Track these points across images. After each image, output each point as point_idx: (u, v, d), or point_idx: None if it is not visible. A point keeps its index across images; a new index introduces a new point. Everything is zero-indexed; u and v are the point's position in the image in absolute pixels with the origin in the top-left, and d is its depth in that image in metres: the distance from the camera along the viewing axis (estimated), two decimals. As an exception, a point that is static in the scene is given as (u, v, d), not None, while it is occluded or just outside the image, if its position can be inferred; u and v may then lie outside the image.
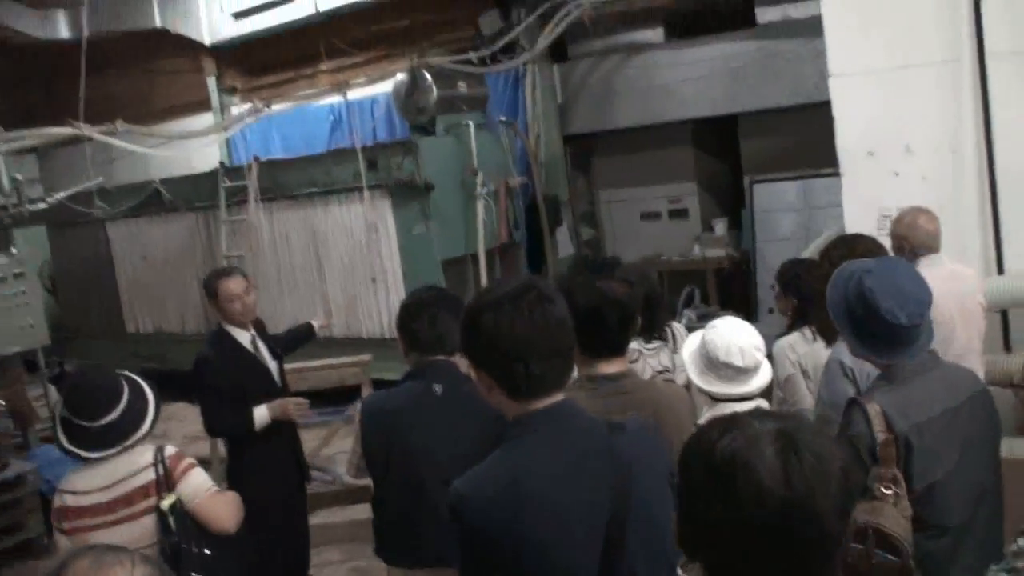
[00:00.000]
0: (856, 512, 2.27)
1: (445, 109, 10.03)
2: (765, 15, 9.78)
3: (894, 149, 6.43)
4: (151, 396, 3.84)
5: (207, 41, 13.67)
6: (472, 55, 10.13)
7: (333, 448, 8.22)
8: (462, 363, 2.57)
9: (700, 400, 4.06)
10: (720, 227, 10.63)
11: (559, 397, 2.43)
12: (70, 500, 3.66)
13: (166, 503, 3.63)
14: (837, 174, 6.74)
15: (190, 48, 13.95)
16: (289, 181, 10.48)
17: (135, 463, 3.69)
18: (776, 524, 1.58)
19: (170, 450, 3.81)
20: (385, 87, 10.79)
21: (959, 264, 5.18)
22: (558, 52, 11.23)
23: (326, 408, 8.88)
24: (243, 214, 10.68)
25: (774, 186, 10.12)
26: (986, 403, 3.07)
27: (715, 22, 10.13)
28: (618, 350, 3.00)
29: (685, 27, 10.55)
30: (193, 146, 10.88)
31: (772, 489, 1.58)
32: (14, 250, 9.56)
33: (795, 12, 9.42)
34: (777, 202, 10.11)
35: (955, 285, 4.90)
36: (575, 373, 2.78)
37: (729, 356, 3.67)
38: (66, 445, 3.69)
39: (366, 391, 7.40)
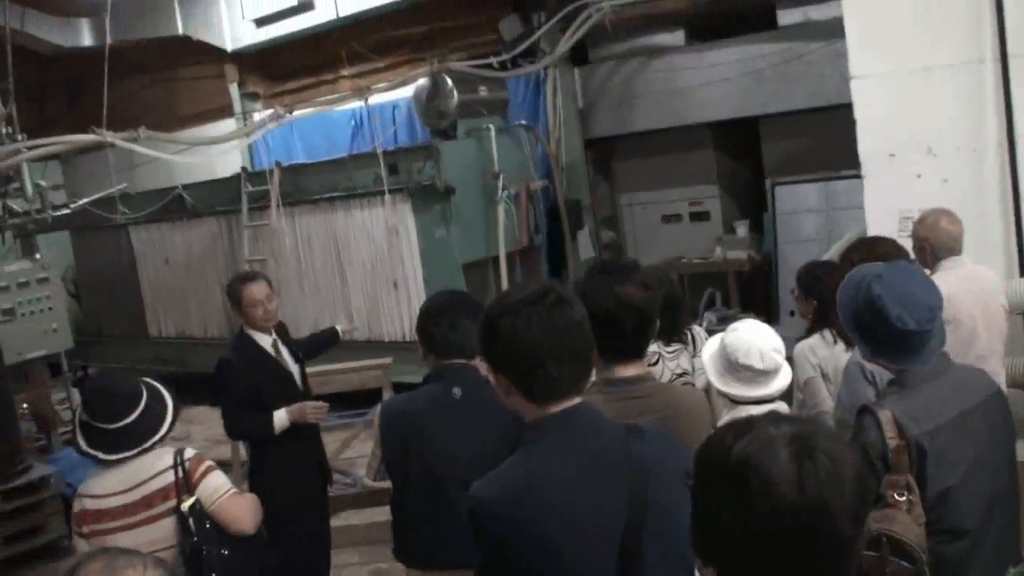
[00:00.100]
0: (869, 520, 2.26)
1: (466, 113, 10.05)
2: (786, 17, 9.75)
3: (916, 151, 6.40)
4: (169, 400, 3.87)
5: (229, 48, 13.76)
6: (493, 60, 10.14)
7: (354, 451, 8.25)
8: (482, 366, 2.57)
9: (720, 403, 4.05)
10: (742, 229, 10.59)
11: (577, 400, 2.43)
12: (89, 504, 3.68)
13: (186, 504, 3.65)
14: (859, 176, 6.72)
15: (212, 55, 14.04)
16: (311, 186, 10.52)
17: (155, 466, 3.72)
18: (790, 528, 1.57)
19: (190, 452, 3.83)
20: (406, 92, 10.81)
21: (981, 266, 5.15)
22: (579, 56, 11.23)
23: (347, 411, 8.92)
24: (265, 219, 10.72)
25: (796, 188, 10.09)
26: (1000, 405, 3.04)
27: (736, 24, 10.10)
28: (636, 354, 2.99)
29: (706, 30, 10.53)
30: (215, 152, 10.93)
31: (786, 493, 1.57)
32: (38, 255, 9.65)
33: (816, 14, 9.39)
34: (799, 204, 10.07)
35: (977, 287, 4.88)
36: (593, 376, 2.77)
37: (748, 358, 3.66)
38: (85, 448, 3.72)
39: (387, 394, 7.43)
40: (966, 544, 2.87)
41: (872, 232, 6.18)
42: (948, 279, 4.78)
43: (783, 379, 3.77)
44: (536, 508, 2.30)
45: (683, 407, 3.00)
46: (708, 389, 4.17)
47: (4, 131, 8.26)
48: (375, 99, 10.85)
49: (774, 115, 10.08)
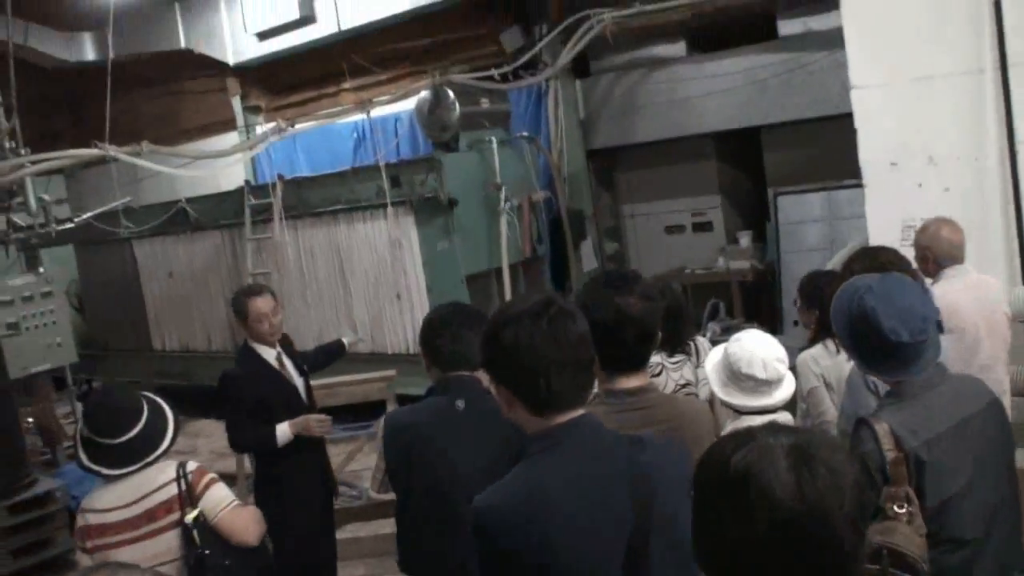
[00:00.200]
0: (870, 533, 2.25)
1: (468, 126, 10.07)
2: (787, 27, 9.77)
3: (917, 160, 6.42)
4: (170, 414, 3.88)
5: (231, 61, 13.80)
6: (494, 72, 10.16)
7: (359, 463, 8.24)
8: (485, 378, 2.57)
9: (723, 413, 4.06)
10: (744, 239, 10.59)
11: (580, 412, 2.43)
12: (92, 519, 3.69)
13: (190, 516, 3.66)
14: (861, 185, 6.72)
15: (215, 68, 14.08)
16: (314, 198, 10.53)
17: (157, 479, 3.73)
18: (789, 539, 1.57)
19: (192, 465, 3.84)
20: (408, 105, 10.83)
21: (984, 274, 5.16)
22: (580, 67, 11.25)
23: (351, 423, 8.92)
24: (268, 232, 10.73)
25: (798, 198, 10.09)
26: (998, 414, 3.03)
27: (737, 35, 10.12)
28: (637, 365, 2.99)
29: (707, 40, 10.55)
30: (218, 165, 10.95)
31: (785, 503, 1.57)
32: (42, 269, 9.67)
33: (817, 24, 9.40)
34: (801, 214, 10.07)
35: (980, 295, 4.89)
36: (595, 388, 2.77)
37: (751, 368, 3.67)
38: (87, 463, 3.73)
39: (391, 406, 7.43)
40: (968, 554, 2.86)
41: (874, 241, 6.19)
42: (951, 288, 4.80)
43: (786, 389, 3.77)
44: (539, 519, 2.30)
45: (686, 418, 3.00)
46: (712, 400, 4.18)
47: (8, 145, 8.28)
48: (377, 112, 10.86)
49: (776, 125, 10.09)
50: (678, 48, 10.67)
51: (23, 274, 9.47)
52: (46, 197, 9.04)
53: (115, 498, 3.69)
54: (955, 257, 4.98)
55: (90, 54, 14.68)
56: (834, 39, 7.60)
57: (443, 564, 3.67)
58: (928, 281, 4.83)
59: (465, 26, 11.75)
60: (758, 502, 1.59)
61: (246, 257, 11.01)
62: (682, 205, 11.21)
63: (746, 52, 10.04)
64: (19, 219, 9.14)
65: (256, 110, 14.50)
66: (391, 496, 3.86)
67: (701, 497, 1.72)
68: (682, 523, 2.12)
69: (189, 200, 11.78)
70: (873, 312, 2.86)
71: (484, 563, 2.40)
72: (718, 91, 10.14)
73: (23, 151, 8.32)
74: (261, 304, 5.50)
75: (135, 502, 3.67)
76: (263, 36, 13.19)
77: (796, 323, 8.35)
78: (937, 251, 4.98)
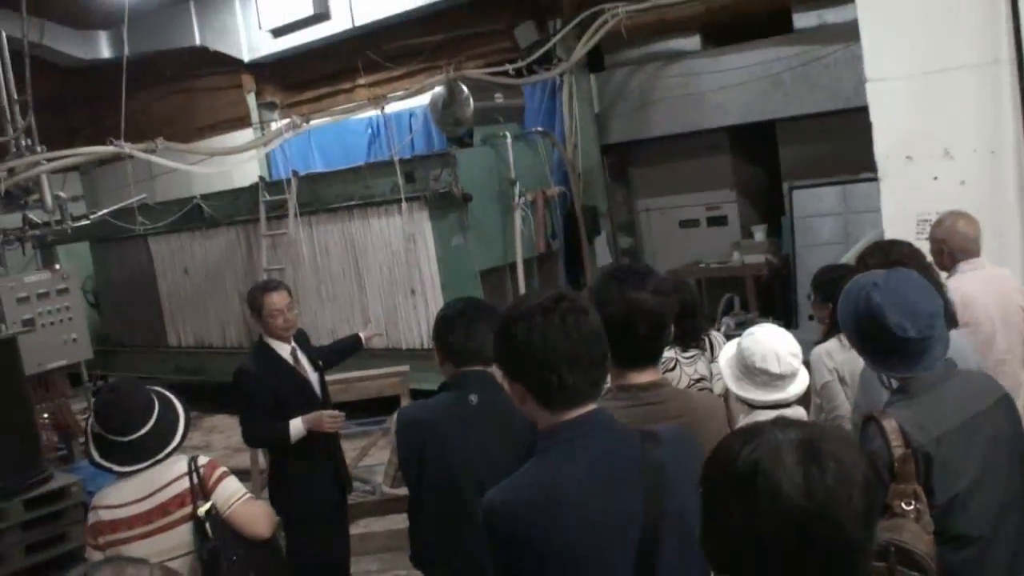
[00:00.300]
0: (877, 530, 2.24)
1: (482, 121, 10.07)
2: (802, 20, 9.73)
3: (932, 153, 6.38)
4: (181, 409, 3.88)
5: (246, 58, 13.84)
6: (508, 67, 10.16)
7: (372, 458, 8.26)
8: (498, 373, 2.57)
9: (737, 408, 4.05)
10: (759, 233, 10.56)
11: (592, 407, 2.42)
12: (104, 515, 3.69)
13: (203, 509, 3.66)
14: (876, 179, 6.69)
15: (229, 65, 14.13)
16: (328, 194, 10.55)
17: (169, 473, 3.73)
18: (798, 534, 1.56)
19: (203, 459, 3.85)
20: (422, 100, 10.85)
21: (1000, 267, 5.13)
22: (595, 62, 11.23)
23: (365, 419, 8.93)
24: (283, 228, 10.76)
25: (813, 191, 10.05)
26: (1008, 410, 3.00)
27: (752, 28, 10.09)
28: (650, 360, 2.97)
29: (721, 34, 10.51)
30: (233, 162, 10.99)
31: (793, 499, 1.56)
32: (58, 266, 9.71)
33: (832, 17, 9.37)
34: (817, 207, 10.03)
35: (996, 288, 4.86)
36: (608, 383, 2.76)
37: (765, 362, 3.66)
38: (98, 460, 3.73)
39: (405, 402, 7.43)
40: (976, 551, 2.83)
41: (889, 235, 6.16)
42: (966, 281, 4.78)
43: (800, 383, 3.76)
44: (551, 514, 2.30)
45: (699, 412, 2.98)
46: (726, 394, 4.17)
47: (24, 143, 8.31)
48: (391, 107, 10.87)
49: (791, 119, 10.06)
50: (693, 42, 10.65)
51: (39, 271, 9.52)
52: (62, 194, 9.07)
53: (127, 494, 3.69)
54: (971, 250, 4.96)
55: (105, 52, 14.76)
56: (849, 32, 7.55)
57: (456, 559, 3.66)
58: (943, 274, 4.81)
59: (479, 21, 11.76)
60: (766, 497, 1.58)
61: (261, 253, 11.05)
62: (697, 199, 11.18)
63: (761, 45, 10.01)
64: (35, 216, 9.18)
65: (271, 107, 14.55)
66: (404, 491, 3.86)
67: (709, 492, 1.71)
68: (694, 518, 2.12)
69: (204, 197, 11.82)
70: (879, 308, 2.84)
71: (496, 558, 2.40)
72: (733, 85, 10.11)
73: (39, 148, 8.35)
74: (276, 299, 5.52)
75: (147, 497, 3.68)
76: (277, 33, 13.23)
77: (811, 317, 8.32)
78: (953, 244, 4.96)
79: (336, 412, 5.52)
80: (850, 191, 9.66)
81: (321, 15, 12.54)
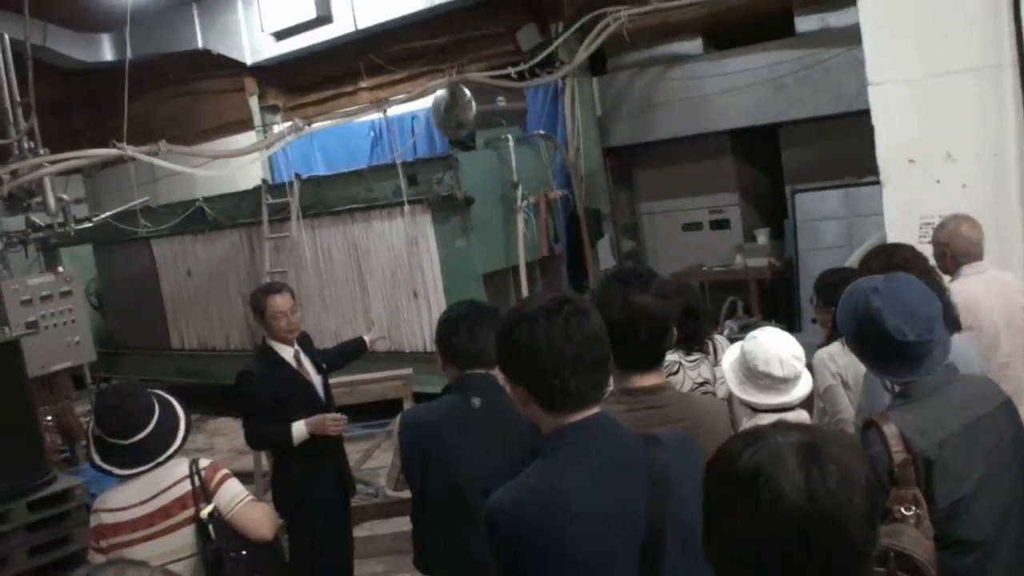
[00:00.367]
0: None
1: (484, 124, 10.08)
2: (804, 24, 9.75)
3: (935, 156, 6.37)
4: (181, 412, 3.88)
5: (248, 61, 13.87)
6: (511, 70, 10.17)
7: (376, 461, 8.26)
8: (500, 376, 2.57)
9: (741, 412, 4.05)
10: (762, 237, 10.58)
11: (595, 410, 2.42)
12: (106, 518, 3.69)
13: (205, 512, 3.67)
14: (879, 182, 6.69)
15: (232, 68, 14.15)
16: (331, 197, 10.56)
17: (171, 476, 3.74)
18: (800, 538, 1.56)
19: (204, 462, 3.85)
20: (425, 103, 10.85)
21: (1003, 271, 5.13)
22: (597, 65, 11.25)
23: (368, 421, 8.94)
24: (286, 231, 10.77)
25: (816, 195, 10.07)
26: (1010, 414, 2.99)
27: (754, 32, 10.09)
28: (653, 363, 2.97)
29: (724, 38, 10.53)
30: (236, 164, 11.00)
31: (795, 501, 1.56)
32: (61, 268, 9.72)
33: (834, 20, 9.38)
34: (819, 211, 10.05)
35: (1000, 291, 4.86)
36: (611, 386, 2.76)
37: (768, 366, 3.66)
38: (99, 463, 3.73)
39: (408, 405, 7.43)
40: (979, 556, 2.82)
41: (892, 239, 6.15)
42: (969, 285, 4.78)
43: (803, 387, 3.76)
44: (555, 518, 2.30)
45: (702, 416, 2.98)
46: (730, 398, 4.17)
47: (27, 145, 8.32)
48: (394, 110, 10.89)
49: (793, 122, 10.08)
50: (695, 45, 10.67)
51: (42, 273, 9.52)
52: (65, 197, 9.08)
53: (128, 497, 3.69)
54: (974, 254, 4.95)
55: (108, 55, 14.77)
56: (851, 35, 7.56)
57: (459, 562, 3.67)
58: (946, 278, 4.80)
59: (481, 24, 11.77)
60: (768, 500, 1.58)
61: (263, 256, 11.06)
62: (699, 203, 11.20)
63: (763, 49, 10.03)
64: (38, 219, 9.19)
65: (273, 109, 14.56)
66: (407, 494, 3.86)
67: (710, 496, 1.70)
68: (697, 522, 2.12)
69: (207, 199, 11.84)
70: (878, 312, 2.84)
71: (499, 561, 2.40)
72: (735, 88, 10.13)
73: (42, 151, 8.36)
74: (279, 301, 5.52)
75: (149, 500, 3.68)
76: (280, 36, 13.26)
77: (814, 321, 8.33)
78: (955, 248, 4.96)
79: (338, 415, 5.53)
80: (853, 194, 9.68)
81: (323, 18, 12.56)
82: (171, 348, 13.13)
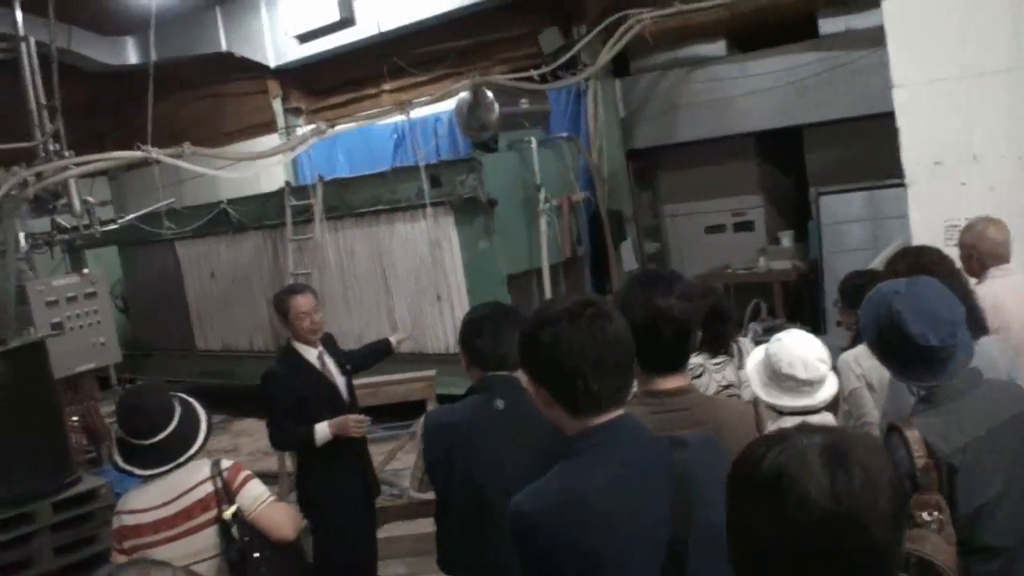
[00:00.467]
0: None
1: (507, 126, 10.07)
2: (827, 26, 9.72)
3: (961, 159, 6.34)
4: (203, 413, 3.90)
5: (272, 64, 13.91)
6: (533, 72, 10.16)
7: (399, 462, 8.28)
8: (524, 377, 2.57)
9: (766, 414, 4.03)
10: (786, 239, 10.54)
11: (619, 413, 2.42)
12: (128, 519, 3.71)
13: (228, 513, 3.68)
14: (904, 184, 6.66)
15: (255, 71, 14.20)
16: (354, 199, 10.58)
17: (193, 477, 3.75)
18: (825, 539, 1.55)
19: (226, 463, 3.87)
20: (448, 105, 10.86)
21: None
22: (620, 67, 11.24)
23: (392, 423, 8.95)
24: (309, 232, 10.80)
25: (841, 197, 10.02)
26: None
27: (777, 34, 10.06)
28: (677, 366, 2.96)
29: (747, 40, 10.50)
30: (259, 167, 11.04)
31: (820, 503, 1.55)
32: (86, 270, 9.77)
33: (858, 22, 9.35)
34: (844, 213, 10.00)
35: (1026, 295, 4.82)
36: (634, 388, 2.76)
37: (792, 368, 3.65)
38: (121, 464, 3.76)
39: (431, 406, 7.44)
40: (1003, 563, 2.80)
41: (918, 241, 6.12)
42: (996, 287, 4.75)
43: (828, 389, 3.74)
44: (579, 520, 2.30)
45: (726, 419, 2.96)
46: (755, 401, 4.15)
47: (52, 148, 8.36)
48: (417, 113, 10.88)
49: (817, 124, 10.04)
50: (718, 47, 10.65)
51: (68, 275, 9.58)
52: (90, 199, 9.13)
53: (151, 498, 3.72)
54: (1001, 256, 4.92)
55: (132, 58, 14.85)
56: (875, 37, 7.52)
57: (482, 563, 3.67)
58: (973, 281, 4.77)
59: (504, 27, 11.78)
60: (792, 502, 1.57)
61: (287, 258, 11.10)
62: (723, 205, 11.17)
63: (787, 51, 10.00)
64: (64, 220, 9.24)
65: (297, 112, 14.61)
66: (431, 495, 3.87)
67: (735, 498, 1.70)
68: (722, 524, 2.12)
69: (231, 201, 11.88)
70: (900, 316, 2.82)
71: (523, 563, 2.40)
72: (759, 90, 10.10)
73: (67, 153, 8.40)
74: (302, 302, 5.55)
75: (171, 501, 3.70)
76: (303, 39, 13.30)
77: (839, 323, 8.29)
78: (982, 250, 4.92)
79: (361, 416, 5.54)
80: (877, 197, 9.63)
81: (346, 21, 12.59)
82: (195, 349, 13.19)
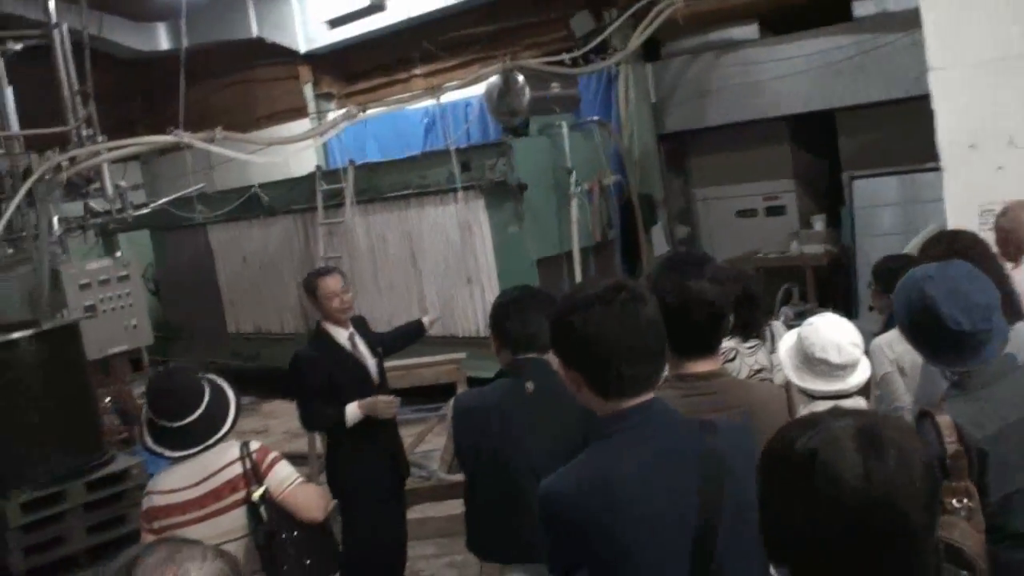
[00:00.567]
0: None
1: (538, 110, 10.05)
2: (861, 8, 9.62)
3: (997, 142, 6.27)
4: (232, 395, 3.92)
5: (303, 49, 13.93)
6: (564, 56, 10.13)
7: (428, 444, 8.30)
8: (554, 360, 2.56)
9: (798, 399, 4.01)
10: (819, 223, 10.47)
11: (650, 396, 2.41)
12: (158, 500, 3.74)
13: (257, 494, 3.70)
14: (939, 168, 6.60)
15: (286, 56, 14.23)
16: (384, 183, 10.60)
17: (222, 459, 3.77)
18: (858, 521, 1.55)
19: (255, 444, 3.88)
20: (478, 90, 10.84)
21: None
22: (651, 51, 11.18)
23: (422, 405, 8.98)
24: (340, 216, 10.83)
25: (874, 181, 9.94)
26: None
27: (810, 16, 9.98)
28: (708, 349, 2.95)
29: (780, 22, 10.42)
30: (290, 151, 11.07)
31: (853, 486, 1.55)
32: (119, 253, 9.87)
33: (892, 4, 9.25)
34: (877, 197, 9.92)
35: (1062, 280, 4.76)
36: (665, 371, 2.74)
37: (825, 352, 3.62)
38: (151, 445, 3.79)
39: (461, 389, 7.45)
40: None
41: (952, 225, 6.07)
42: (1032, 272, 4.69)
43: (861, 374, 3.72)
44: (608, 503, 2.29)
45: (758, 403, 2.94)
46: (788, 385, 4.13)
47: (85, 133, 8.42)
48: (447, 97, 10.89)
49: (851, 108, 9.96)
50: (750, 30, 10.57)
51: (100, 258, 9.65)
52: (123, 183, 9.19)
53: (180, 479, 3.74)
54: (1038, 241, 4.87)
55: (164, 44, 14.90)
56: (910, 20, 7.44)
57: (511, 545, 3.67)
58: (1009, 265, 4.72)
59: (534, 11, 11.74)
60: (825, 484, 1.57)
61: (318, 242, 11.13)
62: (755, 189, 11.11)
63: (820, 34, 9.92)
64: (96, 205, 9.31)
65: (328, 97, 14.63)
66: (460, 477, 3.87)
67: (767, 482, 1.69)
68: (752, 508, 2.10)
69: (262, 186, 11.93)
70: (933, 301, 2.78)
71: (552, 545, 2.40)
72: (792, 74, 10.02)
73: (100, 138, 8.46)
74: (331, 282, 5.59)
75: (200, 482, 3.72)
76: (334, 24, 13.32)
77: (871, 308, 8.24)
78: (1019, 235, 4.87)
79: (391, 397, 5.55)
80: (911, 181, 9.53)
81: (377, 5, 12.58)
82: (226, 332, 13.27)
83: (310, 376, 5.49)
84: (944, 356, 2.89)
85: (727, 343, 4.59)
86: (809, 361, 3.69)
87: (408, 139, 13.01)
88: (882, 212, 9.87)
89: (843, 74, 9.71)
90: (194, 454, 3.74)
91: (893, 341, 4.42)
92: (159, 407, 3.77)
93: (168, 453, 3.77)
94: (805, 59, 9.93)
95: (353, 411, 5.39)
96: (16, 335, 6.63)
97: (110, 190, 8.72)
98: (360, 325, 5.84)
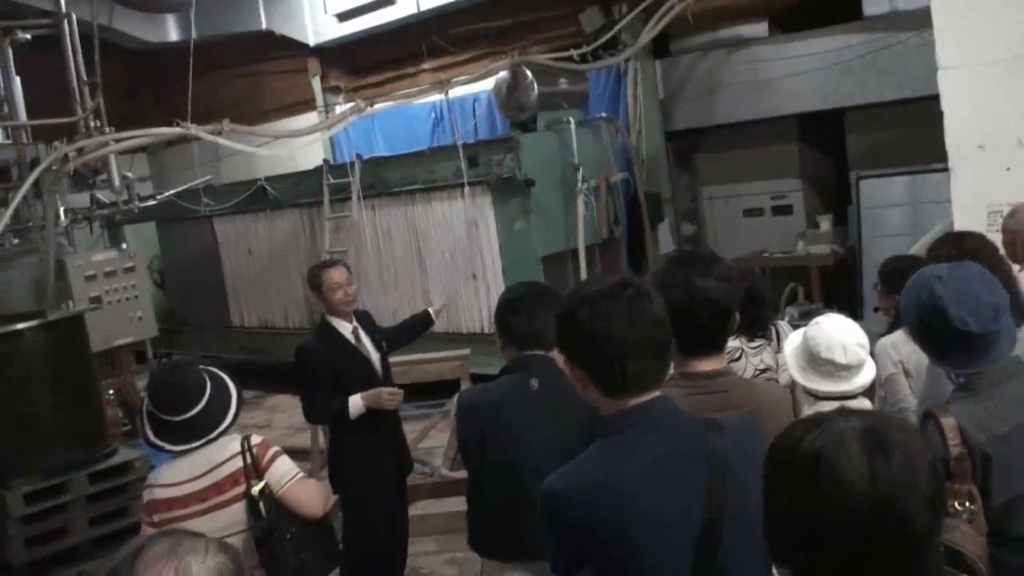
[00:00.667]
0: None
1: (546, 106, 10.04)
2: (872, 7, 9.60)
3: (1006, 143, 6.25)
4: (234, 390, 3.91)
5: (311, 42, 13.92)
6: (573, 52, 10.11)
7: (432, 441, 8.30)
8: (559, 357, 2.55)
9: (803, 399, 4.00)
10: (825, 223, 10.45)
11: (655, 394, 2.40)
12: (159, 493, 3.74)
13: (256, 488, 3.69)
14: (946, 169, 6.58)
15: (295, 49, 14.21)
16: (391, 178, 10.58)
17: (223, 452, 3.77)
18: (864, 522, 1.54)
19: (256, 439, 3.87)
20: (486, 85, 10.83)
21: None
22: (660, 48, 11.16)
23: (425, 402, 8.97)
24: (346, 211, 10.82)
25: (881, 181, 9.92)
26: None
27: (820, 15, 9.96)
28: (714, 348, 2.93)
29: (790, 21, 10.40)
30: (297, 144, 11.06)
31: (858, 486, 1.54)
32: (124, 245, 9.87)
33: (902, 3, 9.24)
34: (884, 198, 9.90)
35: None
36: (671, 369, 2.73)
37: (831, 352, 3.61)
38: (152, 439, 3.78)
39: (465, 385, 7.45)
40: None
41: (960, 226, 6.05)
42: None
43: (867, 375, 3.71)
44: (612, 501, 2.28)
45: (763, 402, 2.93)
46: (793, 385, 4.12)
47: (92, 124, 8.41)
48: (455, 92, 10.87)
49: (860, 107, 9.94)
50: (760, 28, 10.55)
51: (106, 250, 9.66)
52: (129, 175, 9.18)
53: (180, 472, 3.74)
54: (1046, 242, 4.84)
55: (173, 35, 14.89)
56: (921, 19, 7.43)
57: (514, 543, 3.67)
58: (1016, 267, 4.70)
59: (544, 6, 11.72)
60: (830, 485, 1.56)
61: (324, 236, 11.13)
62: (762, 188, 11.10)
63: (830, 32, 9.90)
64: (103, 196, 9.30)
65: (336, 90, 14.62)
66: (463, 474, 3.87)
67: (772, 482, 1.69)
68: (756, 508, 2.09)
69: (268, 179, 11.92)
70: (941, 302, 2.77)
71: (555, 543, 2.39)
72: (801, 72, 10.00)
73: (108, 129, 8.45)
74: (335, 274, 5.58)
75: (201, 476, 3.72)
76: (343, 17, 13.30)
77: (876, 309, 8.22)
78: (1027, 237, 4.85)
79: (395, 389, 5.54)
80: (919, 181, 9.52)
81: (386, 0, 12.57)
82: (231, 325, 13.26)
83: (314, 368, 5.49)
84: (951, 357, 2.88)
85: (732, 342, 4.59)
86: (815, 361, 3.68)
87: (415, 134, 13.00)
88: (889, 212, 9.85)
89: (853, 73, 9.69)
90: (195, 448, 3.74)
91: (898, 342, 4.41)
92: (160, 401, 3.76)
93: (169, 447, 3.76)
94: (815, 57, 9.91)
95: (356, 403, 5.38)
96: (21, 326, 6.64)
97: (117, 181, 8.71)
98: (364, 319, 5.83)
